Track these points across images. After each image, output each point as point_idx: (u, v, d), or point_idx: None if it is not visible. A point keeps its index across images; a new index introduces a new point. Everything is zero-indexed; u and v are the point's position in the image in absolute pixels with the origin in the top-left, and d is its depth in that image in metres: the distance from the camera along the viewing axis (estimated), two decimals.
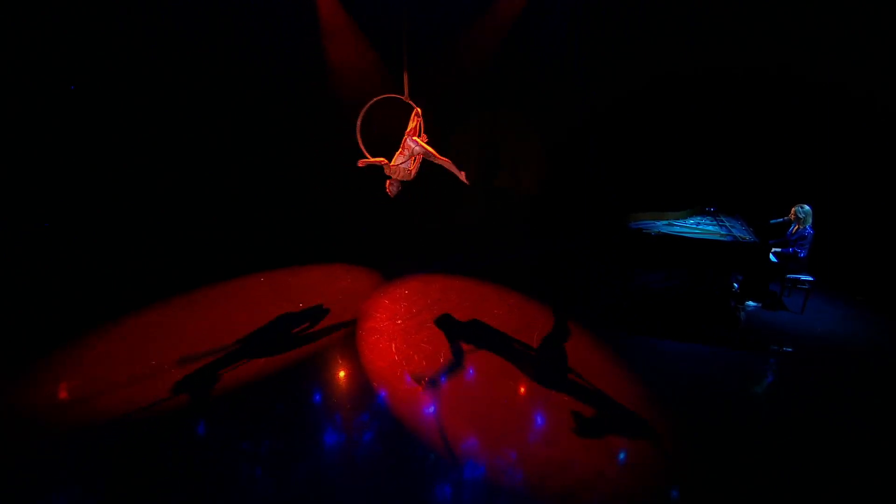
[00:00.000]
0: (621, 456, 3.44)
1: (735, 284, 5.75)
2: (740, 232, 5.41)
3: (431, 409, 3.90)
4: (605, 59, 8.05)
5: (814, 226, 5.30)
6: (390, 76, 7.96)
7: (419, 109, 5.00)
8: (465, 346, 4.73)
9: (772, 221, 5.59)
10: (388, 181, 4.90)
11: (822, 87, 7.10)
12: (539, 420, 3.78)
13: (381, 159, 4.79)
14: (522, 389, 4.14)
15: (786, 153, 7.58)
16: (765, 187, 7.42)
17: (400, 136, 4.91)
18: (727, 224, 5.66)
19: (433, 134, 5.23)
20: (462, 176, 4.79)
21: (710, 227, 5.61)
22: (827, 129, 7.28)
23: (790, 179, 7.46)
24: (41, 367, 4.26)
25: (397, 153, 4.85)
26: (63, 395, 3.97)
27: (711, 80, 7.69)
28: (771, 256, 5.28)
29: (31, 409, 3.77)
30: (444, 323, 5.15)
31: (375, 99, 5.12)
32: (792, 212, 5.37)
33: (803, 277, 5.26)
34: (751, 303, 5.57)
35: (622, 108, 8.17)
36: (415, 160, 4.84)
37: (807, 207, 5.30)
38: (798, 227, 5.31)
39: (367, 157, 4.81)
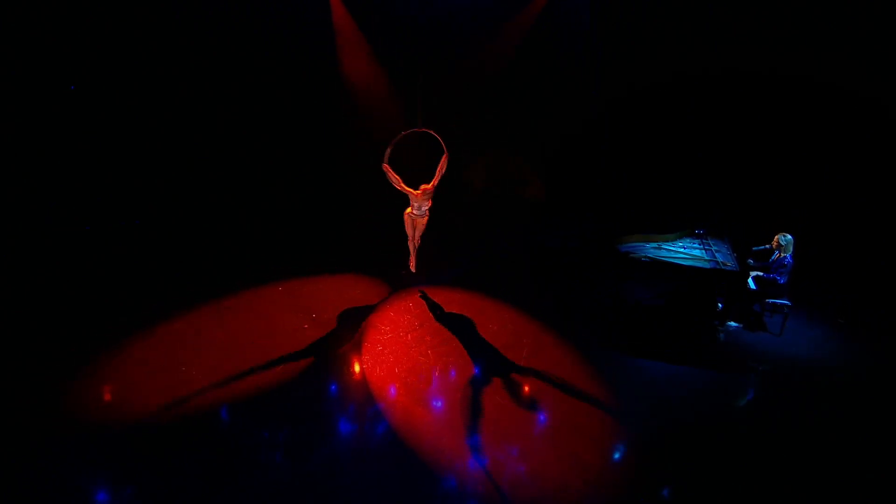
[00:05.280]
0: (590, 468, 3.89)
1: (720, 304, 6.08)
2: (724, 257, 5.74)
3: (420, 421, 4.40)
4: (604, 65, 8.38)
5: (794, 255, 5.57)
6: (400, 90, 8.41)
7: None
8: (457, 360, 5.20)
9: (755, 248, 5.88)
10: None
11: (812, 98, 7.31)
12: (517, 433, 4.24)
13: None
14: (505, 403, 4.60)
15: (780, 167, 7.83)
16: (754, 203, 7.71)
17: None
18: (713, 248, 5.98)
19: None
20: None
21: (696, 252, 5.94)
22: (824, 145, 7.49)
23: (783, 196, 7.73)
24: (85, 372, 4.88)
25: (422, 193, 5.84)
26: (106, 397, 4.59)
27: (706, 85, 7.96)
28: (751, 282, 5.61)
29: (75, 409, 4.39)
30: (442, 337, 5.63)
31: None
32: (775, 240, 5.65)
33: (781, 302, 5.57)
34: (732, 323, 5.90)
35: (621, 111, 8.50)
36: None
37: (789, 237, 5.57)
38: (779, 255, 5.60)
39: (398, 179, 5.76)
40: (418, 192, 5.77)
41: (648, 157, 8.63)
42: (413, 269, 6.43)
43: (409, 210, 5.92)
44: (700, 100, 8.08)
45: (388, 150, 5.72)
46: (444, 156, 5.72)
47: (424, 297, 6.48)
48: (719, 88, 7.94)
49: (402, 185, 5.75)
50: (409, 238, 6.17)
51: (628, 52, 8.14)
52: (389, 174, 5.69)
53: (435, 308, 6.26)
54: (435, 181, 5.79)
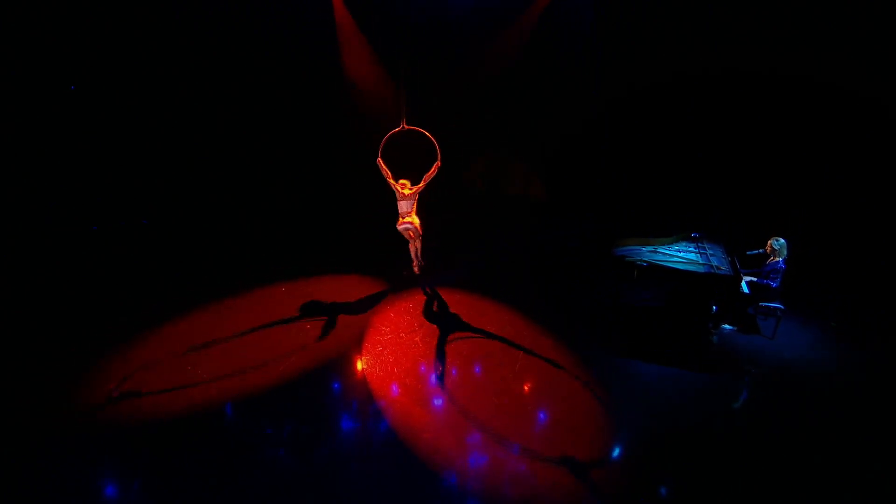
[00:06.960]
0: (578, 468, 3.99)
1: (714, 308, 6.14)
2: (718, 261, 5.79)
3: (419, 421, 4.51)
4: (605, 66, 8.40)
5: (789, 258, 5.63)
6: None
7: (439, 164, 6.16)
8: (456, 361, 5.30)
9: (748, 252, 5.94)
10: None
11: (812, 98, 7.33)
12: (515, 434, 4.34)
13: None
14: (503, 404, 4.70)
15: (780, 167, 7.86)
16: (754, 203, 7.75)
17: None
18: (708, 252, 6.03)
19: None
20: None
21: (691, 256, 5.99)
22: (824, 146, 7.52)
23: (782, 196, 7.76)
24: (87, 372, 4.99)
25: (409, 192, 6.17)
26: (109, 396, 4.70)
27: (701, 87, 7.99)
28: (744, 286, 5.67)
29: (77, 409, 4.50)
30: (441, 338, 5.72)
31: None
32: (768, 244, 5.70)
33: (774, 306, 5.64)
34: (726, 326, 5.98)
35: (621, 111, 8.53)
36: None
37: (782, 241, 5.63)
38: (772, 259, 5.65)
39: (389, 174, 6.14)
40: (399, 187, 6.15)
41: (648, 157, 8.66)
42: (417, 272, 6.80)
43: (398, 220, 6.25)
44: (700, 100, 8.09)
45: (382, 145, 6.03)
46: (436, 164, 5.94)
47: (431, 297, 6.60)
48: (719, 88, 7.95)
49: (392, 180, 6.13)
50: (409, 243, 6.36)
51: (628, 52, 8.14)
52: (382, 168, 6.09)
53: (435, 309, 6.35)
54: (420, 186, 6.09)
